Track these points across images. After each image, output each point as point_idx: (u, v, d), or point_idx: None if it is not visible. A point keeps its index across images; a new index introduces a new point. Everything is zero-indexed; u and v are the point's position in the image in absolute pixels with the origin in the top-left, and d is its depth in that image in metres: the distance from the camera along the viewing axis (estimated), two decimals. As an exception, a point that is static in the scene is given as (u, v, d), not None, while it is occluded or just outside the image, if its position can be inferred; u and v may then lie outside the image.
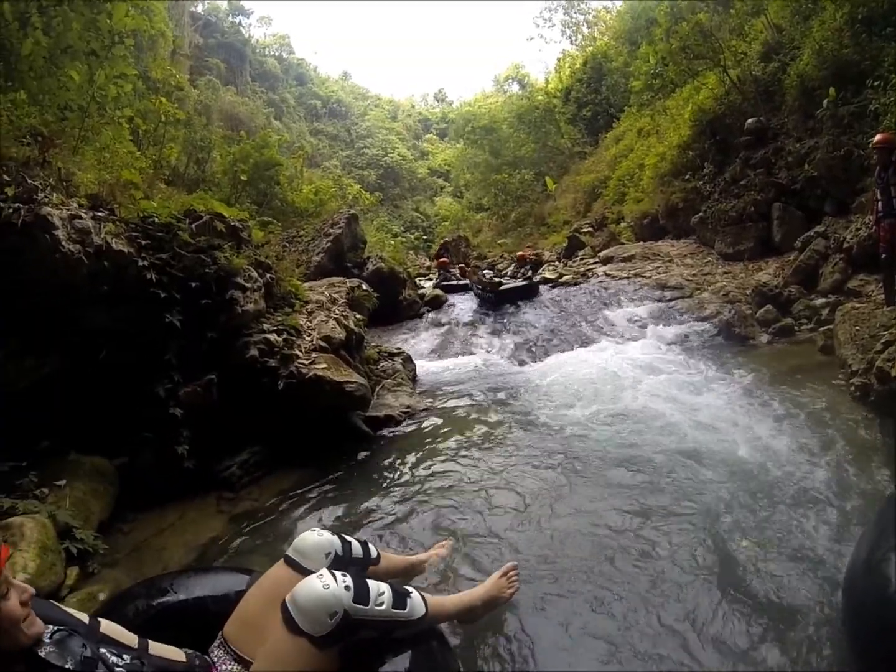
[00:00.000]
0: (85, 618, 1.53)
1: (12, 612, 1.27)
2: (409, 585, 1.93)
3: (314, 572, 1.72)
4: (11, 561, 2.43)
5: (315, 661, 1.53)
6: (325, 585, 1.57)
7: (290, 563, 1.85)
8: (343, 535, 2.03)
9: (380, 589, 1.69)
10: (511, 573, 2.31)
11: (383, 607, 1.65)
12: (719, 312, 7.65)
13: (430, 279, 15.42)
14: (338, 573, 1.64)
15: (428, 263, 21.14)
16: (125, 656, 1.45)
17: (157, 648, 1.59)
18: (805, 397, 4.72)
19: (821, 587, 2.37)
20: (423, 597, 1.84)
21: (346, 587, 1.59)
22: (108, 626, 1.54)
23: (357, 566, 1.98)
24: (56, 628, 1.38)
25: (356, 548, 2.03)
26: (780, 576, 2.47)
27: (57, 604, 1.58)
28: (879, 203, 6.03)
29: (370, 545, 2.14)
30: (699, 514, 3.02)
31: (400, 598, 1.73)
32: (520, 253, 15.20)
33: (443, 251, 18.64)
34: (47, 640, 1.34)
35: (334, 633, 1.53)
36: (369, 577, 1.94)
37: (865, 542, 2.11)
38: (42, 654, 1.31)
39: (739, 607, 2.31)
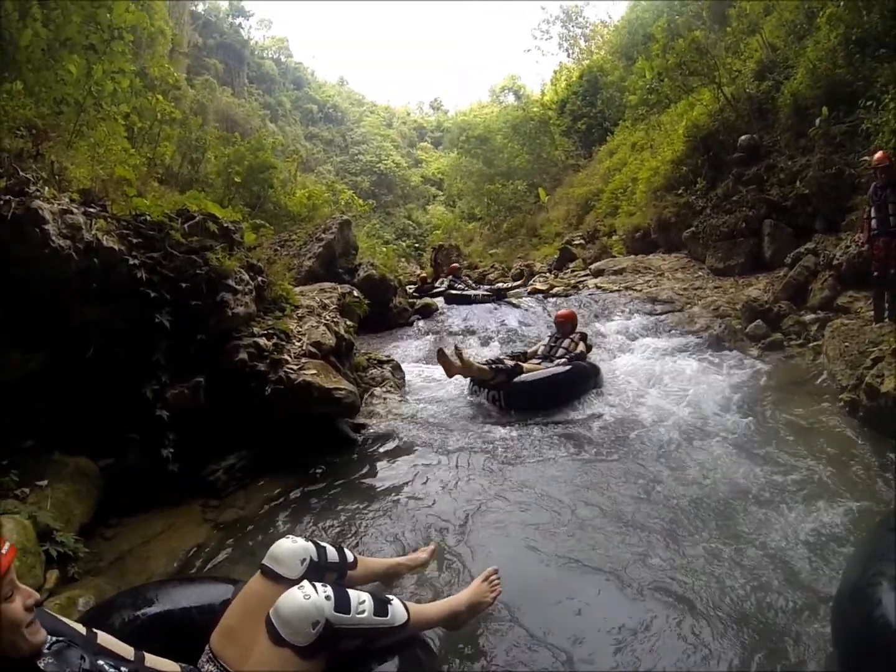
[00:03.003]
0: (82, 629, 1.50)
1: (15, 614, 1.23)
2: (390, 594, 1.97)
3: (291, 579, 1.78)
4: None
5: (300, 671, 1.54)
6: (307, 596, 1.59)
7: (267, 572, 1.85)
8: (317, 541, 2.04)
9: (360, 598, 1.71)
10: (492, 577, 2.33)
11: (365, 615, 1.68)
12: (709, 327, 7.69)
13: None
14: (318, 584, 1.66)
15: (419, 272, 21.06)
16: (122, 669, 1.43)
17: (152, 661, 1.57)
18: (793, 413, 4.73)
19: (809, 610, 2.34)
20: (404, 604, 1.87)
21: (327, 597, 1.61)
22: (104, 638, 1.52)
23: (334, 571, 2.02)
24: (54, 639, 1.35)
25: (331, 553, 2.05)
26: (766, 598, 2.44)
27: (53, 614, 1.54)
28: (874, 220, 6.08)
29: (345, 550, 2.16)
30: (677, 531, 3.02)
31: (381, 606, 1.76)
32: (454, 264, 13.97)
33: (438, 254, 17.86)
34: (46, 651, 1.31)
35: (317, 642, 1.55)
36: (348, 582, 2.01)
37: (855, 565, 2.10)
38: (41, 665, 1.28)
39: (725, 628, 2.29)
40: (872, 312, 6.20)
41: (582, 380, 5.70)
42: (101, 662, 1.39)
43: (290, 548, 1.91)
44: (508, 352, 6.82)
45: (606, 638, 2.26)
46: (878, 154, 6.26)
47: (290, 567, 1.86)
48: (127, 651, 1.53)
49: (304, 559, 1.90)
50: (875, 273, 6.12)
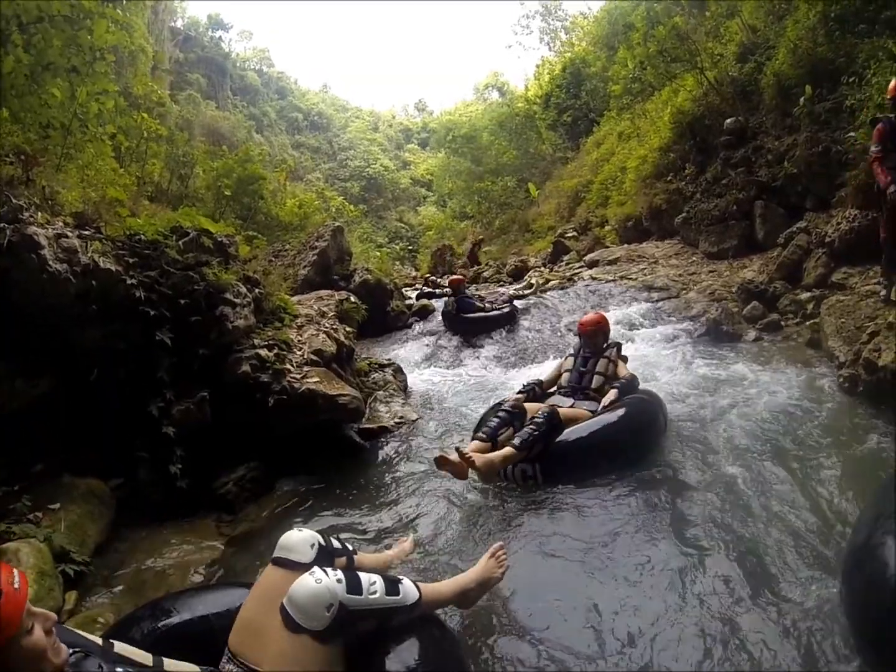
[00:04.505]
0: (98, 640, 1.53)
1: (38, 645, 1.25)
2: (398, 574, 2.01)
3: (303, 564, 1.84)
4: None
5: (320, 656, 1.57)
6: (318, 580, 1.63)
7: (279, 562, 1.91)
8: (320, 532, 2.12)
9: (371, 579, 1.75)
10: (499, 553, 2.39)
11: (377, 595, 1.72)
12: (706, 311, 7.70)
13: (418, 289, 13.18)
14: (328, 569, 1.70)
15: (414, 274, 21.04)
16: None
17: (172, 665, 1.59)
18: (794, 391, 4.76)
19: (817, 577, 2.39)
20: (414, 583, 1.91)
21: (338, 580, 1.65)
22: (122, 647, 1.54)
23: (342, 556, 2.10)
24: (72, 651, 1.37)
25: (334, 542, 2.13)
26: (773, 569, 2.50)
27: (68, 627, 1.57)
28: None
29: (345, 543, 2.23)
30: (684, 511, 3.06)
31: (392, 585, 1.80)
32: (456, 276, 10.41)
33: (475, 248, 17.04)
34: None
35: (333, 625, 1.58)
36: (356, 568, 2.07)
37: (862, 528, 2.12)
38: None
39: (734, 597, 2.34)
40: (867, 287, 6.16)
41: (647, 426, 3.94)
42: (119, 670, 1.41)
43: (299, 535, 1.99)
44: (522, 384, 4.66)
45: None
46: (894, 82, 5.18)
47: (301, 552, 1.92)
48: (145, 658, 1.56)
49: (314, 544, 1.97)
50: None
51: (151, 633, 1.86)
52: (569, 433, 3.69)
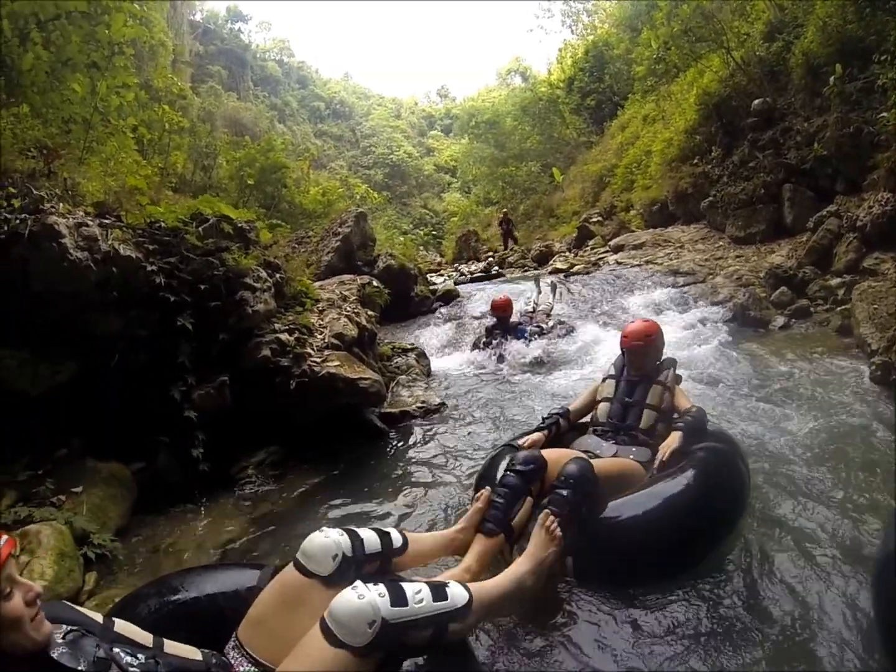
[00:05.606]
0: (99, 618, 1.50)
1: (14, 611, 1.21)
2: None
3: (322, 576, 1.75)
4: (29, 568, 2.44)
5: (355, 669, 1.50)
6: (360, 596, 1.54)
7: (298, 566, 1.80)
8: (354, 530, 1.92)
9: (416, 588, 1.66)
10: (548, 523, 2.15)
11: (423, 604, 1.62)
12: (733, 296, 7.58)
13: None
14: (370, 584, 1.60)
15: (439, 259, 21.05)
16: (139, 656, 1.41)
17: (172, 647, 1.55)
18: (824, 378, 4.66)
19: (846, 583, 2.27)
20: (462, 584, 1.81)
21: (381, 594, 1.56)
22: (122, 626, 1.51)
23: (374, 561, 1.92)
24: (69, 628, 1.34)
25: (371, 542, 1.92)
26: (799, 573, 2.37)
27: (70, 604, 1.56)
28: None
29: (393, 533, 2.04)
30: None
31: (439, 591, 1.70)
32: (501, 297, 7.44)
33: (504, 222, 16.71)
34: (60, 641, 1.30)
35: (375, 641, 1.50)
36: (394, 569, 1.99)
37: (892, 535, 2.04)
38: (55, 655, 1.27)
39: (758, 602, 2.23)
40: None
41: (729, 497, 2.68)
42: (116, 650, 1.37)
43: (322, 543, 1.82)
44: (547, 413, 3.38)
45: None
46: None
47: (320, 563, 1.78)
48: (146, 638, 1.52)
49: (336, 555, 1.81)
50: None
51: (157, 610, 1.83)
52: (619, 508, 2.47)
